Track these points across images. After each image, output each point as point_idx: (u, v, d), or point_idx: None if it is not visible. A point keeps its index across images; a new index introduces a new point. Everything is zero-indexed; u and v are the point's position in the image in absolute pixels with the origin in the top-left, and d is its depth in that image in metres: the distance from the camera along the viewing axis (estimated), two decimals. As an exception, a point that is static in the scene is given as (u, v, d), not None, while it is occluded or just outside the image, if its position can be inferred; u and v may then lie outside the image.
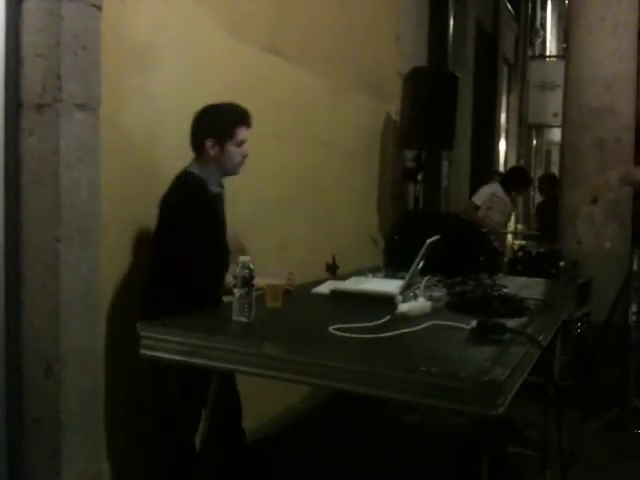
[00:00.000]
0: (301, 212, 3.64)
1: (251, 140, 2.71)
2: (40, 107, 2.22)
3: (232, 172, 2.58)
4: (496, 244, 5.77)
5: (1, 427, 2.30)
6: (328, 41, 4.08)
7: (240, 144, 2.52)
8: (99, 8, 2.33)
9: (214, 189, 2.54)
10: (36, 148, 2.24)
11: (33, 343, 2.29)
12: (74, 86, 2.25)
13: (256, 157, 2.65)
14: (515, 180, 6.21)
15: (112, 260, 2.45)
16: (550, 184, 7.29)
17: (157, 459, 2.68)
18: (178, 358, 2.01)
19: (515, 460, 3.19)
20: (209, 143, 2.48)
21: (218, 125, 2.49)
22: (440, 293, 2.50)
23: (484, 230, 5.59)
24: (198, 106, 2.90)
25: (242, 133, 2.52)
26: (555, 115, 9.78)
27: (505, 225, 6.28)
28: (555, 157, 13.17)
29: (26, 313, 2.29)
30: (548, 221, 6.19)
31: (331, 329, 1.97)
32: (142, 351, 2.06)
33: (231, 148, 2.50)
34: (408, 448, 3.33)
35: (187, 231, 2.36)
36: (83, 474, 2.38)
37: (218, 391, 2.19)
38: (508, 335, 1.98)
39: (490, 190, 6.08)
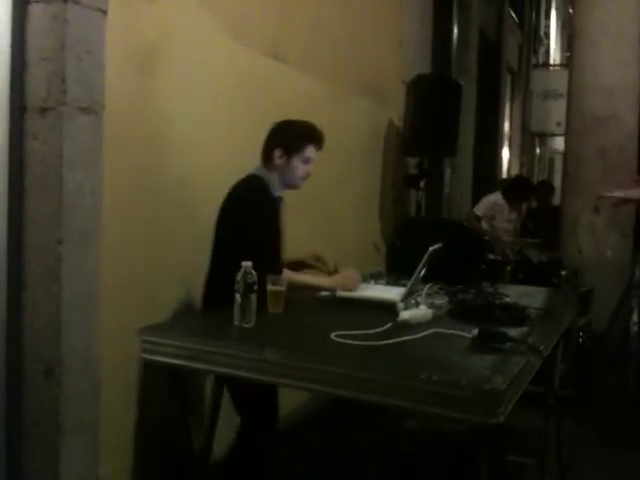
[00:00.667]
0: (302, 217, 3.64)
1: (250, 143, 2.72)
2: (44, 110, 2.23)
3: (292, 186, 2.66)
4: (497, 251, 5.77)
5: (1, 429, 2.29)
6: (330, 46, 4.09)
7: (306, 161, 2.61)
8: (104, 12, 2.34)
9: (275, 192, 2.61)
10: (40, 151, 2.24)
11: (34, 345, 2.28)
12: (78, 90, 2.26)
13: (257, 161, 2.66)
14: (517, 190, 6.19)
15: (113, 263, 2.45)
16: (546, 192, 7.31)
17: (156, 462, 2.69)
18: (178, 362, 2.02)
19: (514, 468, 3.18)
20: (277, 153, 2.58)
21: (289, 137, 2.60)
22: (442, 301, 2.51)
23: (486, 238, 5.59)
24: (201, 110, 2.93)
25: (310, 151, 2.61)
26: (558, 124, 9.80)
27: (513, 233, 6.26)
28: (558, 165, 13.17)
29: (27, 315, 2.29)
30: (545, 229, 6.21)
31: (332, 336, 1.98)
32: (143, 355, 2.07)
33: (296, 162, 2.59)
34: (407, 455, 3.32)
35: (250, 225, 2.43)
36: (82, 477, 2.38)
37: (216, 395, 2.20)
38: (509, 344, 1.98)
39: (491, 199, 6.08)
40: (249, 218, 2.46)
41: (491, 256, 5.47)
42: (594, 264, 4.96)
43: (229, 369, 1.95)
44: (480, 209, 6.01)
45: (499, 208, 5.98)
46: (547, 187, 7.70)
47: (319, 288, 2.64)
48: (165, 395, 2.74)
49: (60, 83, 2.21)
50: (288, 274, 2.45)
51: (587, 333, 4.60)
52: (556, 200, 7.10)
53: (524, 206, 6.80)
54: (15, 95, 2.22)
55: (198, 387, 2.77)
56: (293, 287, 2.38)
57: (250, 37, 3.26)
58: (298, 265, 2.76)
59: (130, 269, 2.57)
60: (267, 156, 2.62)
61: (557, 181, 10.84)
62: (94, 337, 2.39)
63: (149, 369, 2.62)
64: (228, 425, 2.57)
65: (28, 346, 2.29)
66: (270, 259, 2.29)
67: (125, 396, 2.63)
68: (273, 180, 2.60)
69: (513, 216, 6.18)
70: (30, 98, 2.24)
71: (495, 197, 6.10)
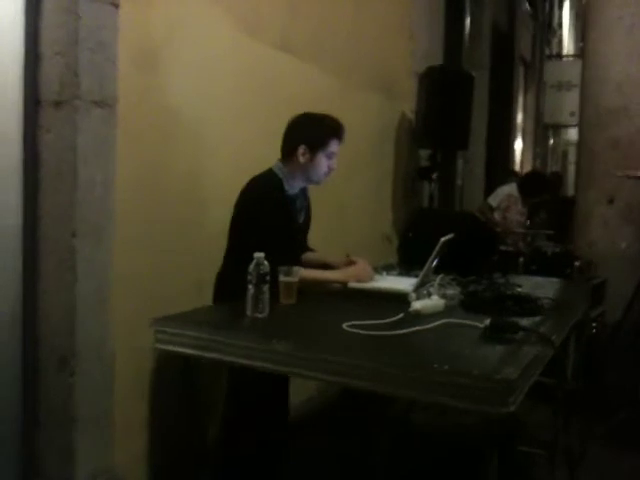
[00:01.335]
0: (313, 208, 3.65)
1: (260, 136, 2.71)
2: (58, 104, 2.25)
3: (316, 181, 2.64)
4: (510, 242, 5.75)
5: (16, 420, 2.32)
6: (340, 39, 4.08)
7: (330, 156, 2.58)
8: (116, 6, 2.35)
9: (290, 191, 2.59)
10: (54, 144, 2.27)
11: (48, 337, 2.31)
12: (91, 83, 2.28)
13: (267, 155, 2.67)
14: (533, 185, 6.15)
15: (126, 255, 2.47)
16: (556, 183, 7.29)
17: (170, 451, 2.71)
18: (191, 352, 2.03)
19: (524, 459, 3.18)
20: (301, 150, 2.54)
21: (313, 133, 2.56)
22: (454, 291, 2.50)
23: (498, 230, 5.58)
24: (212, 103, 2.94)
25: (334, 146, 2.58)
26: (572, 115, 9.74)
27: (524, 225, 6.23)
28: (572, 157, 13.10)
29: (42, 307, 2.32)
30: (557, 220, 6.19)
31: (344, 326, 1.98)
32: (156, 345, 2.09)
33: (321, 157, 2.56)
34: (416, 446, 3.33)
35: (257, 225, 2.43)
36: (96, 467, 2.41)
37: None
38: (521, 334, 1.98)
39: (507, 191, 6.05)
40: (257, 216, 2.45)
41: (503, 247, 5.46)
42: (608, 256, 4.93)
43: (242, 359, 1.96)
44: (495, 200, 5.98)
45: (514, 200, 5.94)
46: (556, 178, 7.67)
47: (331, 282, 2.63)
48: (178, 385, 2.76)
49: (73, 77, 2.23)
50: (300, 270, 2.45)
51: (600, 325, 4.58)
52: (570, 191, 7.07)
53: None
54: (29, 89, 2.25)
55: (212, 377, 2.79)
56: (305, 285, 2.37)
57: (259, 30, 3.27)
58: (326, 267, 2.72)
59: (142, 261, 2.59)
60: (289, 153, 2.57)
61: (571, 173, 10.80)
62: (107, 328, 2.42)
63: (162, 359, 2.64)
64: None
65: (43, 338, 2.32)
66: (278, 257, 2.27)
67: (139, 386, 2.66)
68: (290, 177, 2.58)
69: (525, 209, 6.15)
70: (44, 92, 2.26)
71: (510, 188, 6.06)
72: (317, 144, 2.54)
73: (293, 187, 2.60)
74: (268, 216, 2.44)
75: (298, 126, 2.59)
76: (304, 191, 2.69)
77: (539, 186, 6.21)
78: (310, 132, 2.56)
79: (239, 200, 2.55)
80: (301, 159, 2.54)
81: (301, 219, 2.70)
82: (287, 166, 2.58)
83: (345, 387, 2.12)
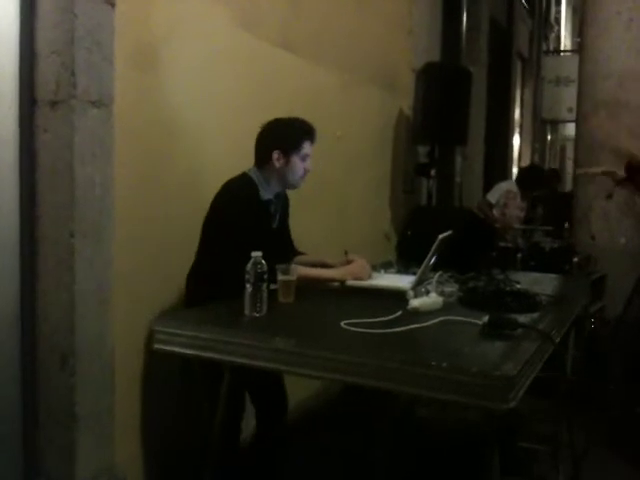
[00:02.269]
0: (312, 206, 3.65)
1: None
2: (54, 103, 2.24)
3: (293, 185, 2.65)
4: (509, 239, 5.75)
5: (16, 419, 2.32)
6: (341, 36, 4.08)
7: (304, 158, 2.59)
8: (112, 4, 2.34)
9: (265, 196, 2.59)
10: (51, 144, 2.26)
11: (48, 336, 2.31)
12: (88, 82, 2.27)
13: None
14: (531, 179, 6.17)
15: (125, 255, 2.47)
16: (554, 179, 7.32)
17: (171, 450, 2.71)
18: (190, 352, 2.03)
19: (526, 455, 3.18)
20: (275, 155, 2.55)
21: (286, 137, 2.58)
22: (452, 288, 2.51)
23: (497, 226, 5.58)
24: (211, 101, 2.93)
25: (307, 147, 2.60)
26: (570, 110, 9.73)
27: (523, 221, 6.24)
28: (570, 152, 13.08)
29: (41, 307, 2.31)
30: (555, 216, 6.21)
31: (342, 324, 1.98)
32: (155, 345, 2.09)
33: (296, 160, 2.57)
34: (418, 442, 3.33)
35: (226, 228, 2.45)
36: (97, 466, 2.41)
37: (229, 386, 2.21)
38: (520, 330, 1.98)
39: (505, 187, 6.05)
40: (228, 219, 2.46)
41: (502, 244, 5.46)
42: (607, 251, 4.93)
43: (241, 358, 1.96)
44: (493, 196, 5.98)
45: (512, 195, 5.94)
46: (554, 174, 7.71)
47: (329, 280, 2.63)
48: (179, 383, 2.76)
49: (70, 76, 2.22)
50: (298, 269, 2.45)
51: (599, 320, 4.58)
52: (568, 187, 7.08)
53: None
54: (25, 88, 2.24)
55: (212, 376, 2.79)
56: (303, 282, 2.38)
57: (259, 27, 3.26)
58: (324, 267, 2.71)
59: (141, 260, 2.59)
60: (264, 160, 2.60)
61: (569, 168, 10.79)
62: (107, 327, 2.42)
63: (162, 358, 2.64)
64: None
65: (42, 337, 2.32)
66: (245, 260, 2.23)
67: (139, 385, 2.66)
68: (266, 182, 2.59)
69: (524, 204, 6.16)
70: (40, 91, 2.25)
71: (508, 184, 6.07)
72: (290, 147, 2.56)
73: (268, 192, 2.61)
74: (239, 219, 2.44)
75: (270, 132, 2.61)
76: (279, 196, 2.69)
77: (537, 179, 6.23)
78: (282, 136, 2.58)
79: (212, 202, 2.56)
80: (276, 164, 2.56)
81: (275, 224, 2.69)
82: (263, 172, 2.60)
83: (346, 384, 2.12)
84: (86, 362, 2.33)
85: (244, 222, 2.44)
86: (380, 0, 4.65)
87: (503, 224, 5.64)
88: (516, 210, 5.98)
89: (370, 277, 2.69)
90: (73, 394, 2.30)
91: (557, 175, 7.83)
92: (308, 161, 2.61)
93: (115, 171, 2.41)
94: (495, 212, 5.83)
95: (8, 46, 2.20)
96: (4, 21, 2.19)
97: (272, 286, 2.25)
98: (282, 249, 2.71)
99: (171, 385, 2.75)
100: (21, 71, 2.23)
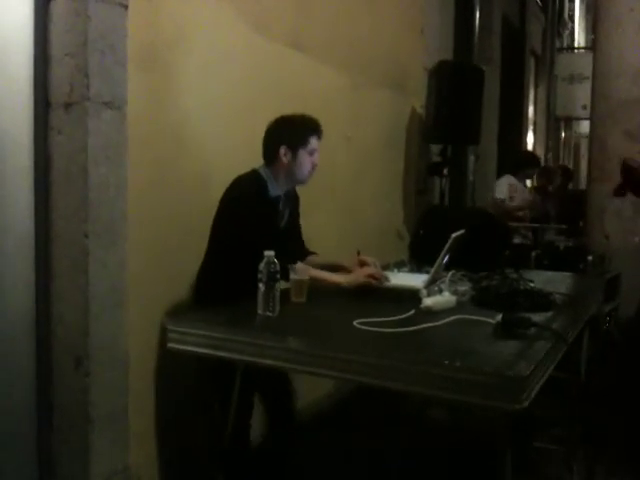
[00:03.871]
0: (324, 207, 3.65)
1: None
2: (68, 106, 2.26)
3: (302, 180, 2.66)
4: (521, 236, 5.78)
5: (31, 421, 2.34)
6: (351, 36, 4.07)
7: (311, 153, 2.60)
8: (125, 7, 2.36)
9: (274, 192, 2.60)
10: (65, 146, 2.28)
11: (62, 338, 2.33)
12: (101, 85, 2.28)
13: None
14: (521, 161, 6.26)
15: (137, 255, 2.48)
16: (565, 176, 7.33)
17: (185, 451, 2.72)
18: (203, 351, 2.04)
19: (539, 455, 3.16)
20: (282, 150, 2.57)
21: (292, 132, 2.59)
22: (465, 287, 2.50)
23: (520, 214, 5.66)
24: (222, 103, 2.94)
25: (314, 142, 2.61)
26: (584, 107, 9.68)
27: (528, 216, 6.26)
28: (584, 150, 13.00)
29: (55, 308, 2.33)
30: (568, 214, 6.24)
31: (355, 323, 1.99)
32: (169, 344, 2.10)
33: (303, 155, 2.58)
34: (431, 442, 3.32)
35: (234, 222, 2.48)
36: (111, 467, 2.42)
37: (242, 385, 2.22)
38: (533, 330, 1.98)
39: (504, 182, 6.07)
40: (236, 215, 2.48)
41: (517, 240, 5.47)
42: (621, 250, 4.89)
43: (254, 357, 1.97)
44: (501, 192, 6.00)
45: (513, 188, 5.99)
46: (564, 171, 7.72)
47: (334, 284, 2.55)
48: (193, 384, 2.77)
49: (83, 78, 2.23)
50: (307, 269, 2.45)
51: (614, 319, 4.55)
52: (582, 184, 7.05)
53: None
54: (39, 91, 2.26)
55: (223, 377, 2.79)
56: (311, 282, 2.39)
57: (270, 28, 3.26)
58: (338, 268, 2.68)
59: (155, 261, 2.60)
60: (271, 156, 2.61)
61: (583, 166, 10.72)
62: (121, 328, 2.43)
63: (176, 358, 2.65)
64: (256, 414, 2.61)
65: (57, 338, 2.33)
66: (255, 256, 2.23)
67: (153, 385, 2.67)
68: (274, 179, 2.60)
69: (527, 196, 6.20)
70: (54, 94, 2.27)
71: (506, 179, 6.09)
72: (297, 142, 2.57)
73: (276, 189, 2.61)
74: (246, 213, 2.46)
75: (276, 128, 2.63)
76: (289, 194, 2.69)
77: (530, 159, 6.49)
78: (289, 132, 2.59)
79: (222, 197, 2.58)
80: (284, 160, 2.57)
81: (283, 221, 2.69)
82: (271, 169, 2.61)
83: (359, 385, 2.12)
84: (100, 363, 2.34)
85: (251, 218, 2.45)
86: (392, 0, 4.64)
87: (524, 209, 5.75)
88: (524, 194, 6.08)
89: (382, 284, 2.61)
90: (87, 395, 2.31)
91: (568, 172, 7.79)
92: (315, 156, 2.62)
93: (128, 172, 2.42)
94: (510, 205, 5.87)
95: (22, 49, 2.22)
96: (18, 24, 2.21)
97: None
98: (291, 248, 2.71)
99: (185, 385, 2.76)
100: (35, 74, 2.25)
